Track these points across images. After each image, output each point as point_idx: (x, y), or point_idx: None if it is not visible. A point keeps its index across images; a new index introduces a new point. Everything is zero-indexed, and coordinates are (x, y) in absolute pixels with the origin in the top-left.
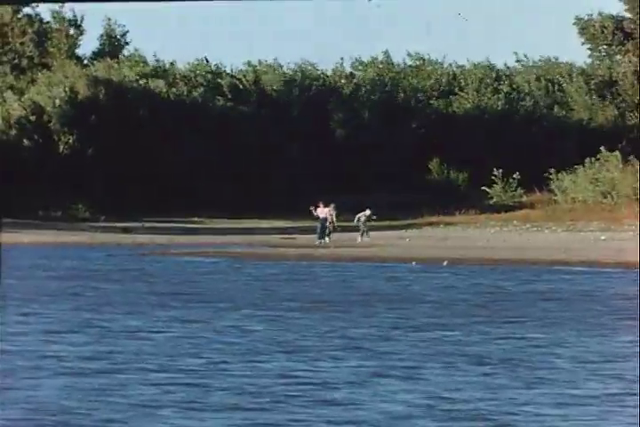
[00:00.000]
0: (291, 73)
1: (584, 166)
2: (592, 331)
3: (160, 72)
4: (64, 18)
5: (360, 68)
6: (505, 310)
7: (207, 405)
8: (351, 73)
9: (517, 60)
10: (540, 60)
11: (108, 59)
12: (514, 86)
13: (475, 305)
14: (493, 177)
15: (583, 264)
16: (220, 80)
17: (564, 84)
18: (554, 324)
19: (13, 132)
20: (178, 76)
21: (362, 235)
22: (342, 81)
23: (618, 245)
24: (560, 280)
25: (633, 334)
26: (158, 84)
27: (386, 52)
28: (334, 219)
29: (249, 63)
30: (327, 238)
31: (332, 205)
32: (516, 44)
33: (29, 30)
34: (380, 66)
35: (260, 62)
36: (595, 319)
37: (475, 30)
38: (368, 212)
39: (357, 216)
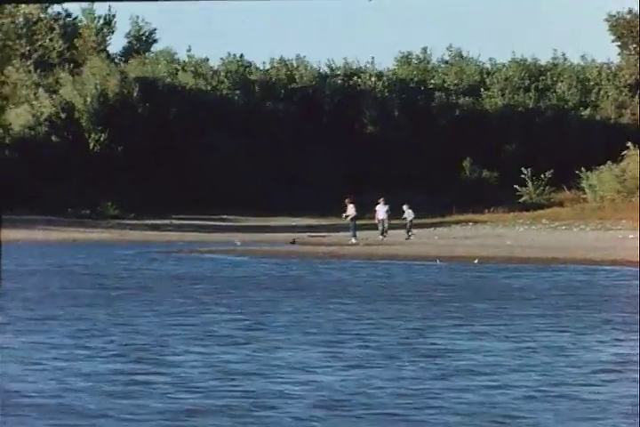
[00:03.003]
0: (322, 70)
1: (611, 164)
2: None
3: (192, 69)
4: (94, 15)
5: (391, 65)
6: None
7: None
8: (381, 71)
9: (553, 58)
10: (572, 59)
11: (139, 56)
12: (545, 84)
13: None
14: (524, 175)
15: (610, 263)
16: (250, 77)
17: (595, 83)
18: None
19: (43, 129)
20: (209, 73)
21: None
22: (373, 79)
23: None
24: (584, 278)
25: None
26: (192, 81)
27: (422, 50)
28: (384, 217)
29: (280, 59)
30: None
31: (382, 200)
32: (549, 42)
33: (57, 27)
34: (411, 63)
35: (291, 58)
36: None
37: (506, 27)
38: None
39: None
